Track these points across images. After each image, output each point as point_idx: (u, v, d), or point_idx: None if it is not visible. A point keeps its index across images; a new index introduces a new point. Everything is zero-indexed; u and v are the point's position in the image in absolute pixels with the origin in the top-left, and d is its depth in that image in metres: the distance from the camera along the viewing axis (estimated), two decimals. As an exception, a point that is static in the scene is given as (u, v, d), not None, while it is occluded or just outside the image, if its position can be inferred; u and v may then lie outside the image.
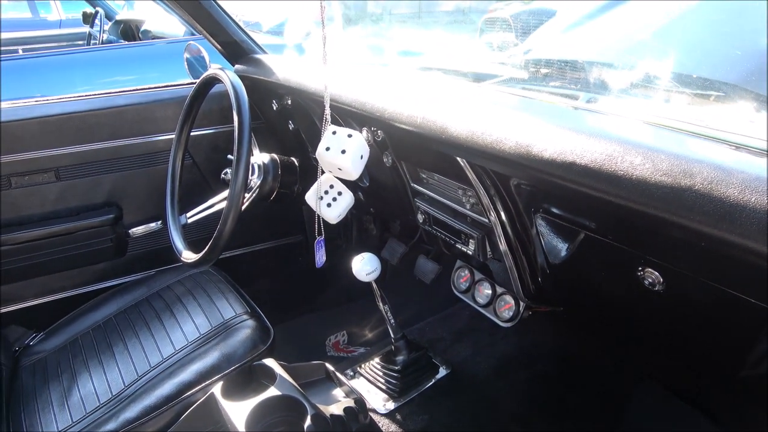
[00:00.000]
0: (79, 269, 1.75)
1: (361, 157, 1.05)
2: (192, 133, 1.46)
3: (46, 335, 1.46)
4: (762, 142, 0.67)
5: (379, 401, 1.52)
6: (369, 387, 1.57)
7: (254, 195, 1.46)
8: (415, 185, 1.28)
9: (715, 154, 0.66)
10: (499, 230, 1.08)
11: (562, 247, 0.96)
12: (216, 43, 1.71)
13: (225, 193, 1.40)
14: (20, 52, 4.06)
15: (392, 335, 1.54)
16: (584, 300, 1.16)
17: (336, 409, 1.21)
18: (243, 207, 1.20)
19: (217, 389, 1.20)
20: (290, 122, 1.67)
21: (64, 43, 5.12)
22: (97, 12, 4.17)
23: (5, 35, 4.98)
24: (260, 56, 1.69)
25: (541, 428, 1.48)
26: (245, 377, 1.27)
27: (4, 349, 1.37)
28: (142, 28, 3.97)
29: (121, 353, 1.32)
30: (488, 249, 1.17)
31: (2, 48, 4.31)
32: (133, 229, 1.77)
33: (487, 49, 1.59)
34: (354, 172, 1.05)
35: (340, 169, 1.05)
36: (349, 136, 1.03)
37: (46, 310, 1.71)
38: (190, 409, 1.20)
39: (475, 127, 0.88)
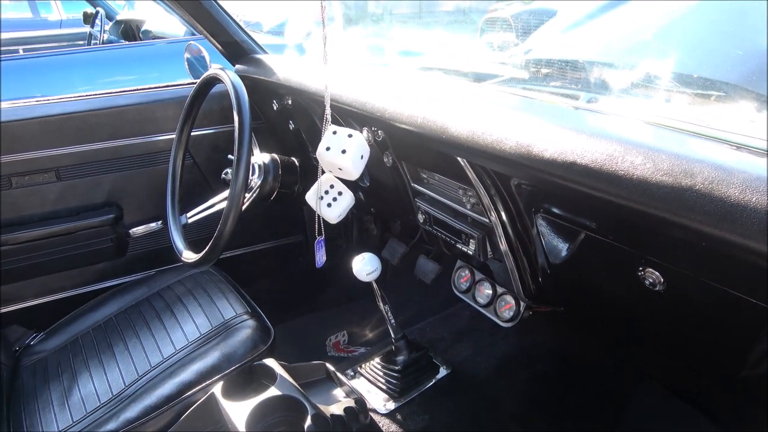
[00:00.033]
0: (80, 269, 1.75)
1: (362, 157, 1.05)
2: (192, 133, 1.46)
3: (47, 335, 1.46)
4: (763, 142, 0.67)
5: (379, 401, 1.52)
6: (369, 387, 1.57)
7: (255, 195, 1.46)
8: (416, 185, 1.28)
9: (716, 154, 0.66)
10: (499, 230, 1.07)
11: (562, 247, 0.96)
12: (216, 43, 1.71)
13: (225, 193, 1.40)
14: (21, 52, 4.07)
15: (393, 335, 1.53)
16: (585, 300, 1.16)
17: (336, 409, 1.21)
18: (243, 207, 1.20)
19: (217, 389, 1.20)
20: (291, 122, 1.67)
21: (65, 43, 5.13)
22: (97, 12, 4.17)
23: (6, 35, 4.99)
24: (261, 56, 1.69)
25: (542, 428, 1.48)
26: (246, 377, 1.27)
27: (4, 348, 1.37)
28: (143, 28, 3.98)
29: (121, 353, 1.33)
30: (489, 249, 1.17)
31: (3, 48, 4.31)
32: (134, 229, 1.77)
33: (488, 49, 1.59)
34: (354, 172, 1.05)
35: (340, 169, 1.05)
36: (350, 136, 1.03)
37: (47, 310, 1.71)
38: (190, 409, 1.20)
39: (475, 127, 0.88)
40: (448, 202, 1.21)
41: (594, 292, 1.08)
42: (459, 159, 1.01)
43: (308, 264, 1.47)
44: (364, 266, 1.39)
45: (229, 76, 1.23)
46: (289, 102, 1.56)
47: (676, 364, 1.10)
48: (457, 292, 1.42)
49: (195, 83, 1.42)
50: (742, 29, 1.07)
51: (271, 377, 1.23)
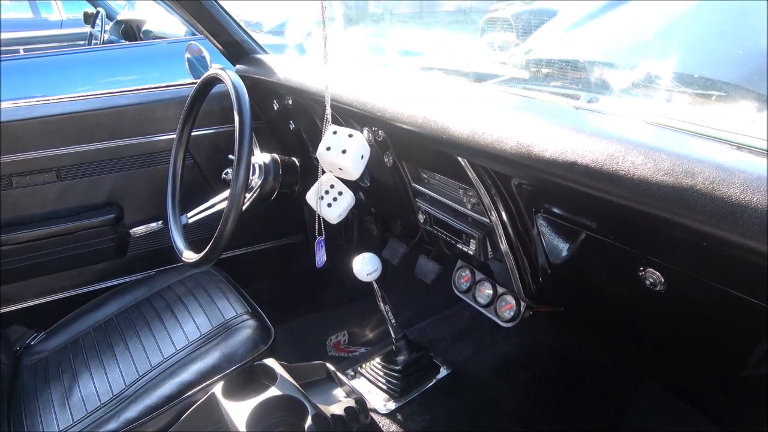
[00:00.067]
0: (80, 269, 1.76)
1: (362, 156, 1.05)
2: (193, 133, 1.46)
3: (47, 335, 1.46)
4: (763, 141, 0.67)
5: (379, 401, 1.52)
6: (370, 387, 1.57)
7: (255, 195, 1.46)
8: (416, 185, 1.28)
9: (717, 154, 0.66)
10: (500, 230, 1.07)
11: (563, 247, 0.96)
12: (217, 43, 1.71)
13: (226, 193, 1.40)
14: (21, 52, 4.07)
15: (393, 335, 1.53)
16: (585, 300, 1.16)
17: (337, 409, 1.21)
18: (244, 207, 1.20)
19: (217, 389, 1.20)
20: (291, 122, 1.67)
21: (65, 43, 5.13)
22: (98, 12, 4.17)
23: (6, 35, 4.99)
24: (261, 56, 1.70)
25: (542, 428, 1.48)
26: (246, 377, 1.27)
27: (5, 348, 1.37)
28: (143, 28, 3.98)
29: (122, 353, 1.33)
30: (489, 249, 1.17)
31: (4, 48, 4.32)
32: (134, 229, 1.77)
33: (489, 49, 1.59)
34: (355, 172, 1.05)
35: (340, 168, 1.05)
36: (350, 135, 1.03)
37: (47, 310, 1.71)
38: (190, 408, 1.20)
39: (476, 126, 0.88)
40: (449, 202, 1.21)
41: (594, 292, 1.08)
42: (459, 159, 1.01)
43: (309, 264, 1.47)
44: (365, 266, 1.39)
45: (230, 76, 1.23)
46: (290, 102, 1.56)
47: (676, 364, 1.10)
48: (457, 292, 1.42)
49: (195, 83, 1.42)
50: (742, 29, 1.07)
51: (271, 377, 1.23)
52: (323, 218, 1.16)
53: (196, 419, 1.20)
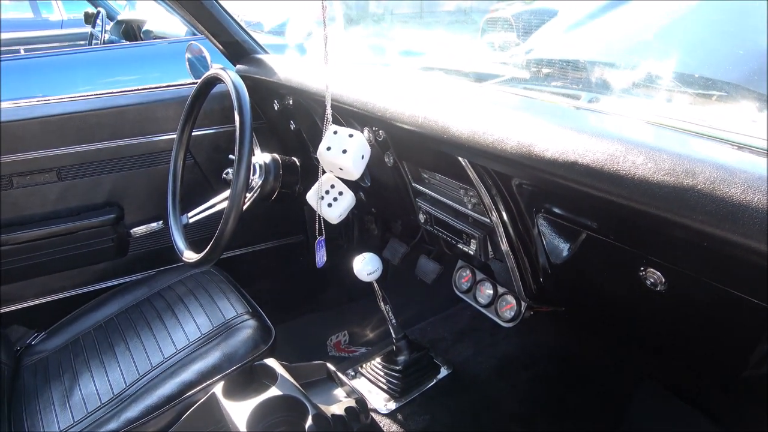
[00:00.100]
0: (81, 269, 1.76)
1: (362, 156, 1.05)
2: (193, 133, 1.46)
3: (48, 335, 1.46)
4: (764, 141, 0.67)
5: (380, 401, 1.52)
6: (370, 387, 1.57)
7: (255, 195, 1.46)
8: (417, 185, 1.28)
9: (718, 154, 0.66)
10: (500, 230, 1.07)
11: (563, 247, 0.96)
12: (217, 43, 1.71)
13: (226, 193, 1.40)
14: (22, 52, 4.07)
15: (393, 335, 1.53)
16: (586, 300, 1.16)
17: (337, 409, 1.21)
18: (244, 207, 1.20)
19: (218, 389, 1.20)
20: (291, 122, 1.67)
21: (66, 44, 5.13)
22: (98, 12, 4.18)
23: (7, 35, 4.99)
24: (262, 56, 1.70)
25: (543, 428, 1.48)
26: (246, 377, 1.27)
27: (5, 348, 1.37)
28: (144, 28, 3.98)
29: (122, 353, 1.33)
30: (490, 249, 1.17)
31: (4, 48, 4.32)
32: (135, 229, 1.77)
33: (489, 49, 1.59)
34: (355, 172, 1.05)
35: (341, 168, 1.05)
36: (351, 135, 1.03)
37: (48, 310, 1.71)
38: (191, 408, 1.20)
39: (476, 126, 0.88)
40: (449, 202, 1.21)
41: (595, 292, 1.08)
42: (460, 159, 1.01)
43: (309, 264, 1.47)
44: (365, 266, 1.39)
45: (230, 76, 1.23)
46: (290, 102, 1.56)
47: (677, 365, 1.10)
48: (458, 292, 1.42)
49: (196, 83, 1.42)
50: (743, 29, 1.07)
51: (271, 377, 1.23)
52: (323, 218, 1.16)
53: (197, 419, 1.20)
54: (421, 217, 1.32)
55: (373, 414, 1.45)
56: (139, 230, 1.78)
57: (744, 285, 0.67)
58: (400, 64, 2.00)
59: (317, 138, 1.10)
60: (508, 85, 1.27)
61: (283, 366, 1.27)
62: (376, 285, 1.45)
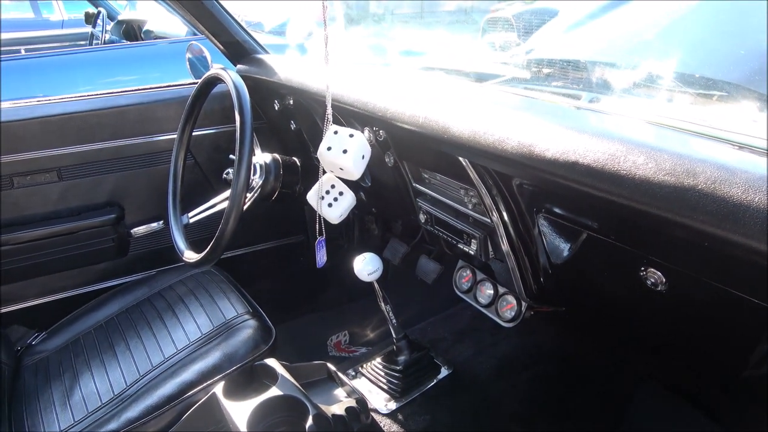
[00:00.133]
0: (81, 269, 1.76)
1: (363, 156, 1.05)
2: (194, 133, 1.46)
3: (48, 335, 1.46)
4: (765, 141, 0.67)
5: (380, 401, 1.52)
6: (370, 387, 1.57)
7: (256, 195, 1.46)
8: (417, 185, 1.28)
9: (719, 154, 0.66)
10: (501, 230, 1.07)
11: (564, 247, 0.96)
12: (218, 43, 1.71)
13: (227, 193, 1.40)
14: (23, 52, 4.07)
15: (394, 335, 1.53)
16: (586, 300, 1.16)
17: (338, 409, 1.21)
18: (245, 207, 1.20)
19: (218, 389, 1.20)
20: (292, 122, 1.67)
21: (67, 44, 5.13)
22: (99, 12, 4.18)
23: (8, 35, 4.99)
24: (262, 56, 1.70)
25: (543, 428, 1.48)
26: (247, 377, 1.27)
27: (6, 348, 1.37)
28: (144, 28, 3.98)
29: (122, 353, 1.33)
30: (490, 249, 1.16)
31: (5, 48, 4.32)
32: (135, 229, 1.77)
33: (490, 49, 1.59)
34: (355, 172, 1.05)
35: (341, 168, 1.05)
36: (351, 135, 1.03)
37: (48, 310, 1.71)
38: (191, 408, 1.20)
39: (477, 126, 0.88)
40: (450, 202, 1.21)
41: (596, 292, 1.08)
42: (460, 159, 1.01)
43: (309, 264, 1.47)
44: (366, 266, 1.38)
45: (231, 76, 1.23)
46: (291, 102, 1.56)
47: (677, 365, 1.10)
48: (458, 292, 1.42)
49: (196, 83, 1.42)
50: (744, 29, 1.07)
51: (272, 377, 1.23)
52: (324, 218, 1.16)
53: (197, 419, 1.20)
54: (422, 217, 1.32)
55: (373, 414, 1.45)
56: (140, 230, 1.78)
57: (744, 285, 0.67)
58: (401, 64, 2.00)
59: (318, 138, 1.10)
60: (508, 85, 1.27)
61: (284, 366, 1.27)
62: (376, 285, 1.45)
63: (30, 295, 1.71)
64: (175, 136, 1.44)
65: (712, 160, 0.61)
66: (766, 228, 0.54)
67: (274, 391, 1.18)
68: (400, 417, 1.48)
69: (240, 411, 1.14)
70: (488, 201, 1.05)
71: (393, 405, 1.51)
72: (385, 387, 1.55)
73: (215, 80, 1.33)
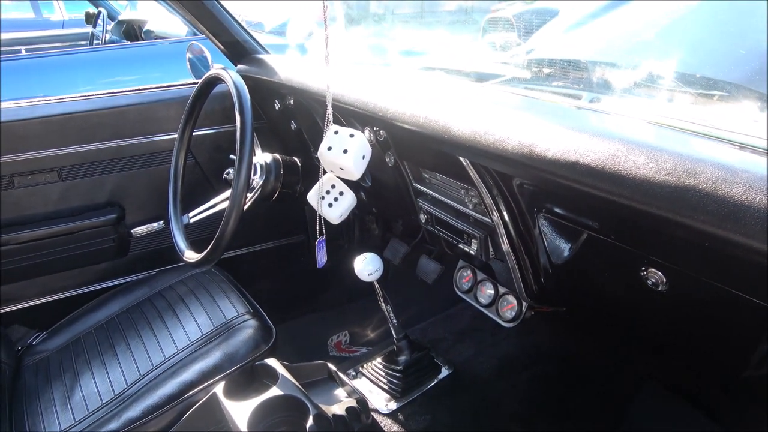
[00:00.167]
0: (82, 269, 1.76)
1: (363, 156, 1.05)
2: (194, 133, 1.46)
3: (49, 335, 1.46)
4: (765, 141, 0.67)
5: (381, 401, 1.52)
6: (371, 387, 1.57)
7: (256, 195, 1.47)
8: (418, 185, 1.28)
9: (719, 154, 0.66)
10: (501, 230, 1.07)
11: (564, 247, 0.96)
12: (218, 43, 1.71)
13: (227, 193, 1.40)
14: (23, 52, 4.07)
15: (394, 335, 1.53)
16: (587, 300, 1.16)
17: (338, 409, 1.21)
18: (245, 207, 1.20)
19: (219, 389, 1.20)
20: (292, 122, 1.67)
21: (67, 44, 5.13)
22: (99, 12, 4.18)
23: (8, 35, 5.00)
24: (263, 56, 1.70)
25: (543, 428, 1.48)
26: (247, 377, 1.27)
27: (6, 348, 1.37)
28: (145, 28, 3.98)
29: (123, 353, 1.33)
30: (491, 249, 1.16)
31: (5, 48, 4.32)
32: (136, 229, 1.77)
33: (490, 49, 1.59)
34: (356, 172, 1.05)
35: (342, 168, 1.05)
36: (351, 135, 1.03)
37: (49, 310, 1.71)
38: (192, 408, 1.20)
39: (477, 126, 0.88)
40: (450, 202, 1.21)
41: (596, 292, 1.08)
42: (461, 159, 1.01)
43: (310, 264, 1.47)
44: (366, 266, 1.38)
45: (231, 76, 1.23)
46: (291, 102, 1.56)
47: (677, 365, 1.10)
48: (458, 292, 1.42)
49: (197, 83, 1.42)
50: (744, 29, 1.07)
51: (272, 377, 1.23)
52: (324, 218, 1.16)
53: (198, 419, 1.20)
54: (422, 217, 1.32)
55: (374, 414, 1.45)
56: (140, 230, 1.78)
57: (745, 285, 0.67)
58: (401, 64, 2.00)
59: (318, 138, 1.10)
60: (509, 85, 1.27)
61: (284, 366, 1.27)
62: (376, 285, 1.45)
63: (30, 295, 1.71)
64: (175, 136, 1.44)
65: (713, 160, 0.61)
66: (766, 228, 0.54)
67: (274, 391, 1.18)
68: (400, 417, 1.48)
69: (240, 411, 1.14)
70: (489, 201, 1.04)
71: (393, 405, 1.51)
72: (386, 387, 1.55)
73: (216, 80, 1.33)
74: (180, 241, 1.32)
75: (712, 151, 0.67)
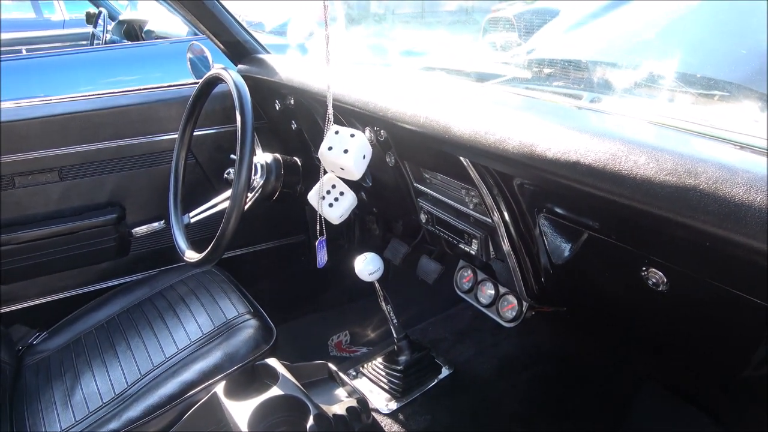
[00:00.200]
0: (82, 269, 1.76)
1: (364, 156, 1.05)
2: (195, 133, 1.47)
3: (50, 334, 1.46)
4: (766, 141, 0.67)
5: (381, 401, 1.52)
6: (371, 387, 1.57)
7: (257, 195, 1.47)
8: (418, 185, 1.28)
9: (720, 154, 0.66)
10: (502, 230, 1.07)
11: (565, 247, 0.96)
12: (219, 43, 1.71)
13: (228, 193, 1.40)
14: (24, 52, 4.07)
15: (395, 335, 1.53)
16: (587, 300, 1.16)
17: (338, 408, 1.21)
18: (246, 207, 1.20)
19: (219, 389, 1.20)
20: (293, 122, 1.67)
21: (68, 44, 5.13)
22: (100, 12, 4.18)
23: (9, 35, 5.00)
24: (263, 56, 1.70)
25: (543, 428, 1.48)
26: (248, 377, 1.27)
27: (7, 348, 1.37)
28: (146, 28, 3.98)
29: (124, 352, 1.33)
30: (491, 249, 1.16)
31: (6, 48, 4.32)
32: (136, 229, 1.77)
33: (491, 49, 1.59)
34: (356, 172, 1.05)
35: (342, 168, 1.05)
36: (352, 135, 1.03)
37: (49, 310, 1.71)
38: (192, 408, 1.20)
39: (478, 126, 0.88)
40: (451, 202, 1.21)
41: (596, 292, 1.08)
42: (462, 159, 1.01)
43: (310, 264, 1.47)
44: (367, 266, 1.38)
45: (232, 76, 1.23)
46: (292, 102, 1.56)
47: (677, 365, 1.10)
48: (459, 292, 1.42)
49: (197, 83, 1.42)
50: (745, 28, 1.07)
51: (273, 377, 1.23)
52: (325, 218, 1.16)
53: (198, 419, 1.20)
54: (423, 217, 1.32)
55: (374, 414, 1.45)
56: (141, 230, 1.78)
57: (746, 285, 0.67)
58: (402, 64, 2.00)
59: (319, 138, 1.10)
60: (509, 85, 1.27)
61: (285, 366, 1.27)
62: (377, 285, 1.45)
63: (31, 294, 1.72)
64: (176, 135, 1.44)
65: (714, 160, 0.61)
66: (767, 228, 0.54)
67: (275, 391, 1.18)
68: (401, 417, 1.48)
69: (241, 411, 1.14)
70: (489, 201, 1.04)
71: (394, 405, 1.51)
72: (386, 387, 1.55)
73: (216, 80, 1.34)
74: (180, 241, 1.32)
75: (713, 151, 0.67)
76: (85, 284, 1.78)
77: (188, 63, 1.82)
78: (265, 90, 1.64)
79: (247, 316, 1.37)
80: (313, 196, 1.16)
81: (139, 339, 1.35)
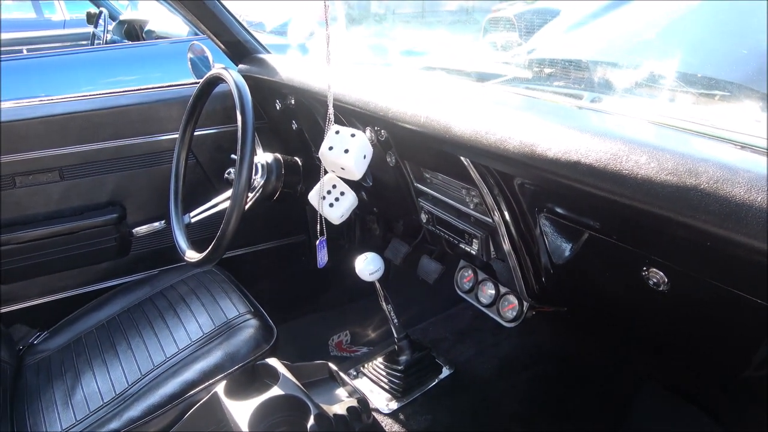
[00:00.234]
0: (83, 269, 1.76)
1: (364, 156, 1.05)
2: (195, 133, 1.47)
3: (50, 334, 1.46)
4: (767, 141, 0.67)
5: (382, 401, 1.52)
6: (372, 387, 1.57)
7: (257, 195, 1.47)
8: (419, 185, 1.28)
9: (721, 154, 0.66)
10: (502, 230, 1.07)
11: (566, 247, 0.96)
12: (219, 43, 1.71)
13: (228, 193, 1.40)
14: (24, 52, 4.07)
15: (395, 335, 1.53)
16: (588, 300, 1.16)
17: (339, 408, 1.21)
18: (246, 207, 1.20)
19: (220, 388, 1.20)
20: (293, 122, 1.67)
21: (68, 43, 5.14)
22: (101, 12, 4.18)
23: (9, 35, 5.00)
24: (264, 56, 1.70)
25: (543, 428, 1.48)
26: (248, 377, 1.27)
27: (8, 347, 1.37)
28: (146, 28, 3.98)
29: (124, 352, 1.33)
30: (492, 249, 1.16)
31: (7, 48, 4.33)
32: (137, 229, 1.77)
33: (491, 49, 1.59)
34: (357, 172, 1.05)
35: (343, 168, 1.05)
36: (353, 135, 1.03)
37: (50, 310, 1.71)
38: (193, 408, 1.20)
39: (478, 126, 0.88)
40: (451, 202, 1.21)
41: (597, 292, 1.08)
42: (462, 158, 1.01)
43: (311, 264, 1.47)
44: (367, 266, 1.38)
45: (232, 76, 1.23)
46: (292, 102, 1.56)
47: (677, 365, 1.10)
48: (459, 292, 1.42)
49: (198, 83, 1.42)
50: (746, 28, 1.07)
51: (273, 377, 1.23)
52: (325, 218, 1.16)
53: (199, 418, 1.20)
54: (423, 217, 1.32)
55: (374, 414, 1.45)
56: (142, 230, 1.78)
57: (746, 284, 0.66)
58: (402, 63, 2.00)
59: (319, 138, 1.10)
60: (510, 85, 1.27)
61: (285, 366, 1.27)
62: (377, 285, 1.45)
63: (32, 294, 1.72)
64: (176, 135, 1.44)
65: (715, 160, 0.61)
66: (766, 227, 0.54)
67: (275, 391, 1.18)
68: (401, 417, 1.48)
69: (241, 410, 1.14)
70: (490, 201, 1.04)
71: (394, 405, 1.51)
72: (387, 387, 1.55)
73: (217, 80, 1.34)
74: (181, 241, 1.33)
75: (714, 151, 0.67)
76: (86, 284, 1.78)
77: (189, 63, 1.82)
78: (265, 90, 1.64)
79: (248, 316, 1.37)
80: (313, 196, 1.16)
81: (139, 339, 1.36)
